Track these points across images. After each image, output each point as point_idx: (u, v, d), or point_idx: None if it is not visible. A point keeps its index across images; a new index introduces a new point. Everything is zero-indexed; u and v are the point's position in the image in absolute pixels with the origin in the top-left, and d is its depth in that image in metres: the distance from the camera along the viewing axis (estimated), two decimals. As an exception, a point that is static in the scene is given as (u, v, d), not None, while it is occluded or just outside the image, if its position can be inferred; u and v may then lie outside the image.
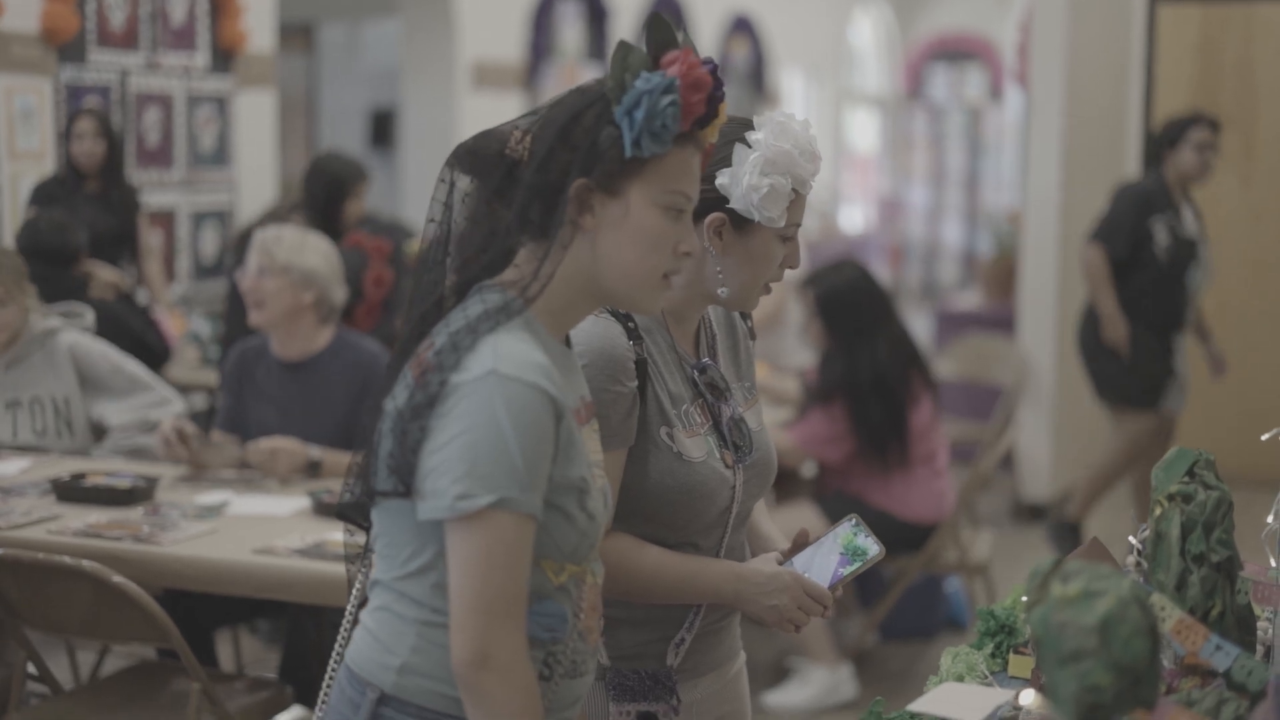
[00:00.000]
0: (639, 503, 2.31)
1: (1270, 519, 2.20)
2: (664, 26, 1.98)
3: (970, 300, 9.62)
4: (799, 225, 2.42)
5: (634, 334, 2.32)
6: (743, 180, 2.33)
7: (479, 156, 2.01)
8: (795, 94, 14.77)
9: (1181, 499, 2.05)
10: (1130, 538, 2.13)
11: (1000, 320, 8.46)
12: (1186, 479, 2.07)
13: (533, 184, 1.96)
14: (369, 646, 2.02)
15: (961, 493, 5.62)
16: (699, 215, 2.33)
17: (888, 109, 16.87)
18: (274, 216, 6.39)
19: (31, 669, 3.69)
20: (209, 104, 7.76)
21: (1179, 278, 6.40)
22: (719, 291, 2.40)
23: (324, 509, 3.69)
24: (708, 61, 1.98)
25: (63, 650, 4.50)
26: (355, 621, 2.11)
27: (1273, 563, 2.20)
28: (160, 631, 3.32)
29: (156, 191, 7.45)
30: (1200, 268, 6.45)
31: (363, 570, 2.13)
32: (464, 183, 2.02)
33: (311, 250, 4.25)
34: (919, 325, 10.31)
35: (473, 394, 1.89)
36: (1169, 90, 8.27)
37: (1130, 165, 8.37)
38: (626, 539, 2.32)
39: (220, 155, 7.84)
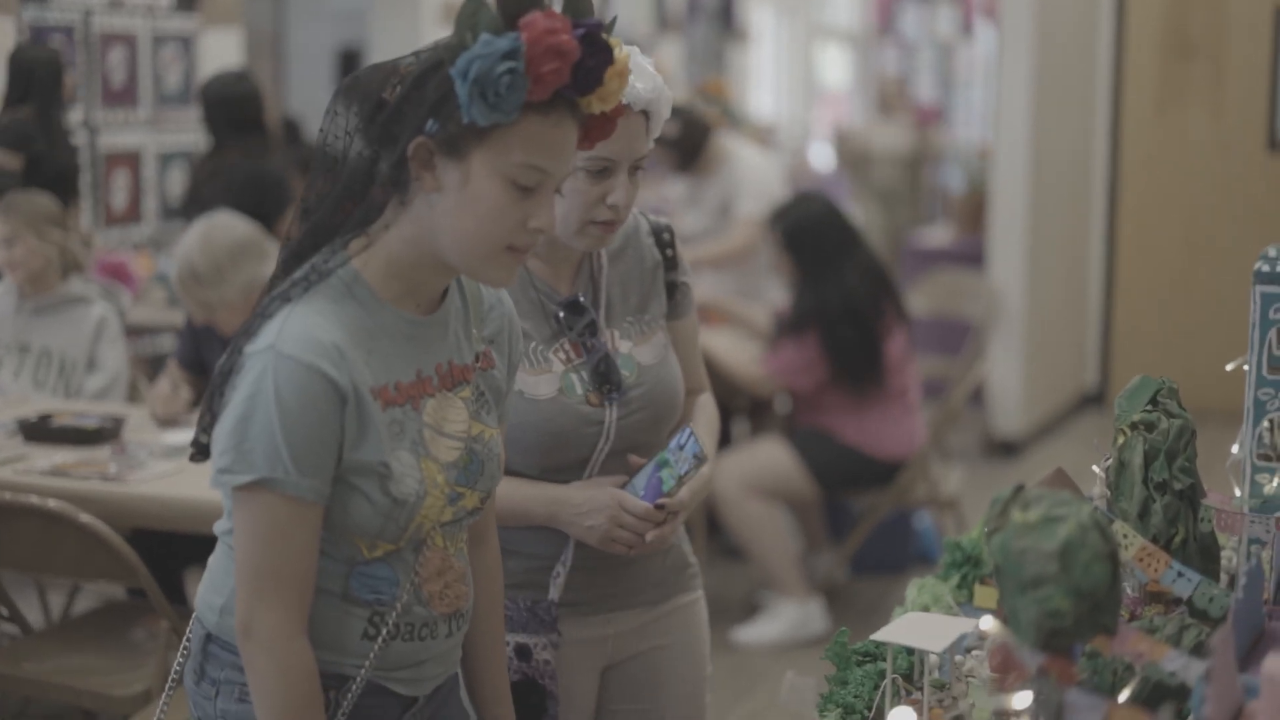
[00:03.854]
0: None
1: (1235, 448, 2.22)
2: None
3: (941, 236, 9.62)
4: (615, 161, 2.29)
5: None
6: None
7: (359, 90, 1.90)
8: (765, 30, 14.70)
9: (1144, 427, 2.06)
10: (1094, 466, 2.14)
11: (971, 255, 8.46)
12: (1150, 407, 2.08)
13: (381, 134, 1.86)
14: (203, 584, 2.04)
15: (932, 428, 5.64)
16: None
17: (858, 45, 16.80)
18: (207, 163, 6.42)
19: (1, 609, 3.69)
20: (174, 43, 7.69)
21: None
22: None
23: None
24: (586, 25, 1.82)
25: (33, 590, 4.50)
26: None
27: (1237, 492, 2.21)
28: (129, 570, 3.32)
29: (122, 131, 7.39)
30: None
31: None
32: (350, 116, 1.90)
33: (229, 264, 4.15)
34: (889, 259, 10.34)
35: (252, 368, 1.84)
36: (1140, 24, 8.27)
37: (1101, 99, 8.36)
38: None
39: (186, 95, 7.76)
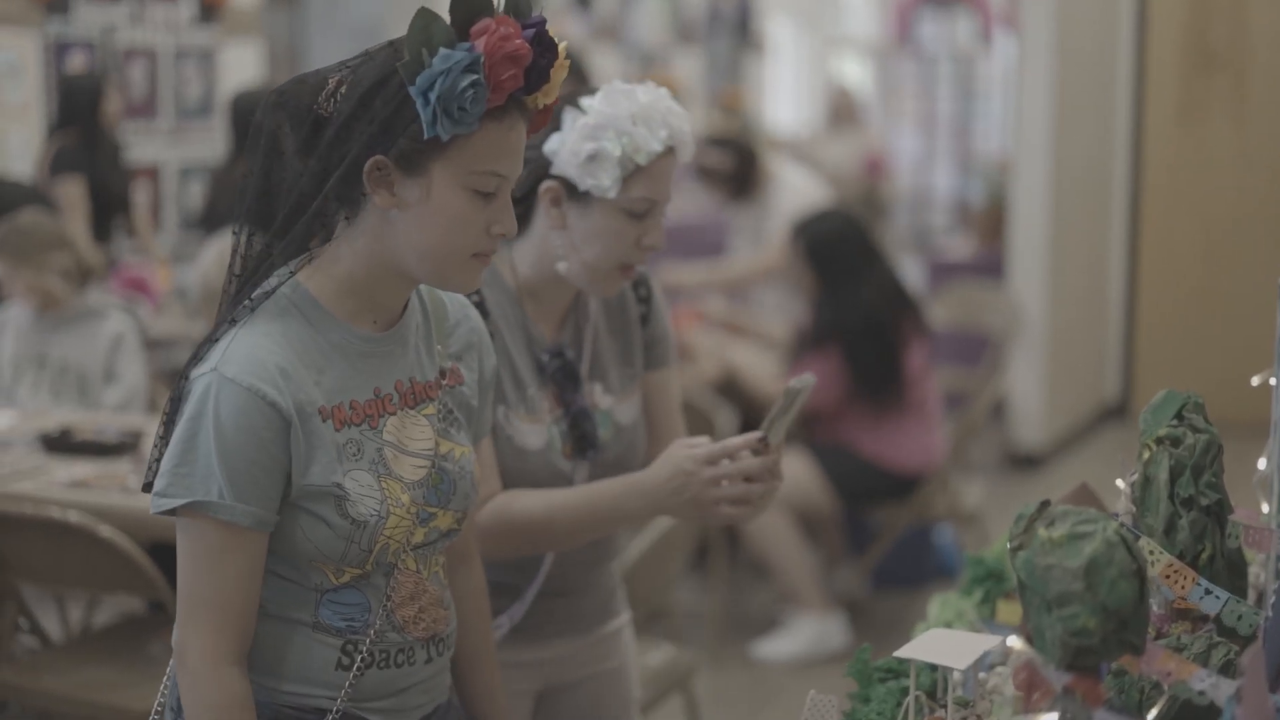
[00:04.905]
0: None
1: (1261, 463, 2.19)
2: None
3: (961, 248, 9.59)
4: (654, 201, 2.27)
5: (480, 308, 2.23)
6: (567, 143, 2.22)
7: (288, 106, 1.85)
8: (784, 42, 14.70)
9: (1170, 442, 2.04)
10: (1119, 481, 2.12)
11: (991, 267, 8.44)
12: (1175, 422, 2.06)
13: (329, 151, 1.81)
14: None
15: (953, 441, 5.62)
16: (535, 183, 2.24)
17: (877, 57, 16.79)
18: (224, 176, 6.48)
19: (21, 622, 3.69)
20: (195, 57, 7.71)
21: None
22: (558, 267, 2.27)
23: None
24: (532, 25, 1.80)
25: (53, 603, 4.50)
26: None
27: (1264, 508, 2.19)
28: (148, 584, 3.32)
29: (143, 145, 7.41)
30: None
31: None
32: (283, 134, 1.85)
33: None
34: (910, 273, 10.26)
35: (194, 391, 1.82)
36: (1161, 35, 8.24)
37: (1122, 110, 8.34)
38: (500, 495, 2.24)
39: (206, 108, 7.79)
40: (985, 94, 15.85)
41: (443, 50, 1.76)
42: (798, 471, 5.19)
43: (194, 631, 1.84)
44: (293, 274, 1.88)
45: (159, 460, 1.88)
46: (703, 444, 2.17)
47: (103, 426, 4.04)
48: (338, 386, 1.88)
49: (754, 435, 2.16)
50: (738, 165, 6.24)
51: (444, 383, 2.00)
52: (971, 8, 16.45)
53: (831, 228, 5.33)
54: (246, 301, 1.86)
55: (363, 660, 1.92)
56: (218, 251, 4.18)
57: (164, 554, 3.63)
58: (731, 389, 5.42)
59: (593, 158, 2.21)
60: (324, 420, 1.85)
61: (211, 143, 7.71)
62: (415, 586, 1.96)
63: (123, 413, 4.44)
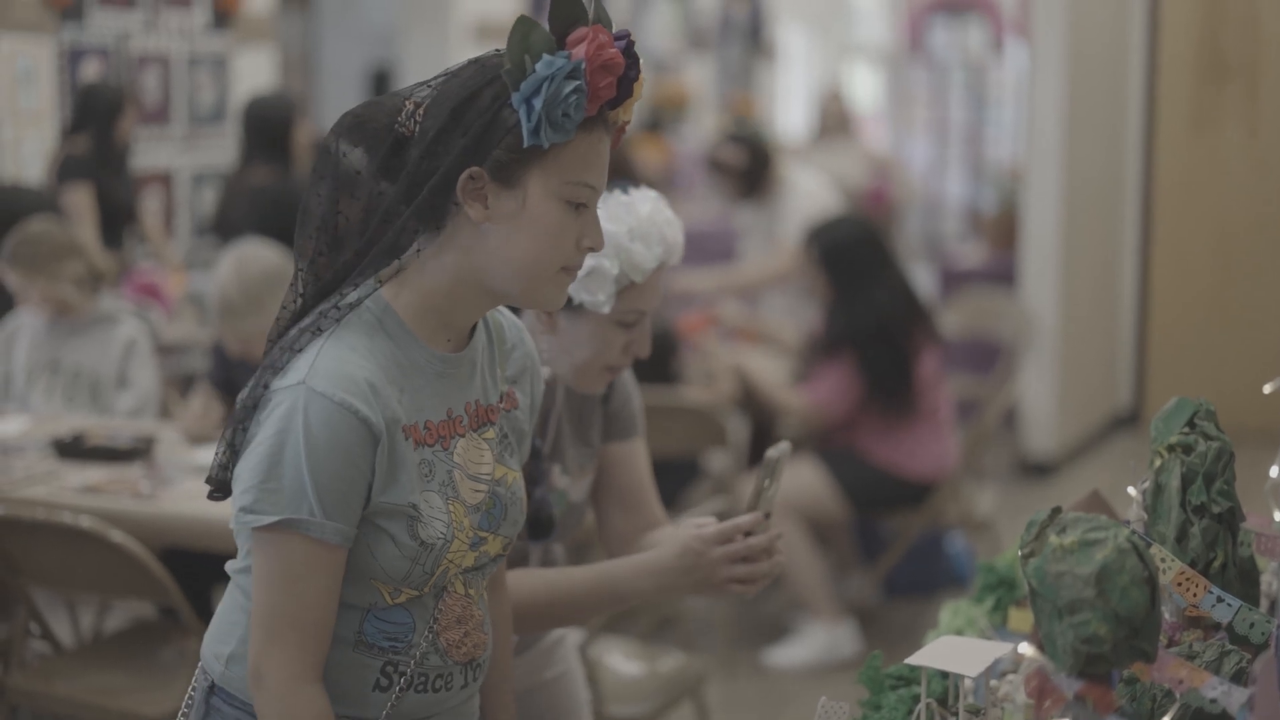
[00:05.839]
0: None
1: (1274, 471, 2.19)
2: (571, 1, 1.79)
3: (973, 255, 9.58)
4: (644, 312, 2.30)
5: None
6: None
7: (366, 128, 1.84)
8: (795, 50, 14.70)
9: (1182, 450, 2.03)
10: (1130, 489, 2.12)
11: (1003, 275, 8.43)
12: (1187, 429, 2.06)
13: (419, 167, 1.80)
14: (210, 633, 1.96)
15: (964, 448, 5.61)
16: None
17: (889, 64, 16.78)
18: (235, 183, 6.53)
19: (33, 627, 3.70)
20: (208, 63, 7.73)
21: None
22: (543, 370, 2.23)
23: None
24: (621, 37, 1.80)
25: (64, 608, 4.51)
26: None
27: (1276, 516, 2.19)
28: (160, 589, 3.32)
29: (156, 151, 7.42)
30: None
31: None
32: (355, 155, 1.84)
33: (265, 294, 4.13)
34: (922, 281, 10.24)
35: (280, 404, 1.78)
36: (1173, 43, 8.23)
37: (1133, 118, 8.32)
38: (511, 574, 2.22)
39: (220, 114, 7.80)
40: (997, 101, 15.83)
41: (546, 56, 1.76)
42: (809, 479, 5.18)
43: (275, 651, 1.80)
44: (379, 286, 1.86)
45: (223, 467, 1.86)
46: (709, 524, 2.18)
47: (115, 432, 4.04)
48: (416, 405, 1.86)
49: (758, 515, 2.16)
50: (750, 163, 6.29)
51: (501, 406, 1.99)
52: (983, 15, 16.43)
53: (846, 234, 5.33)
54: (333, 311, 1.83)
55: (405, 684, 1.89)
56: (232, 268, 4.17)
57: (175, 559, 3.65)
58: (742, 396, 5.41)
59: (590, 274, 2.23)
60: (405, 438, 1.83)
61: (224, 149, 7.72)
62: (462, 610, 1.94)
63: (135, 419, 4.44)
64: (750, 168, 6.30)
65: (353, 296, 1.85)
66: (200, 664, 1.96)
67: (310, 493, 1.76)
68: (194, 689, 1.96)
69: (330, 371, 1.78)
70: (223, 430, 1.87)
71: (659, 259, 2.27)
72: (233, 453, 1.84)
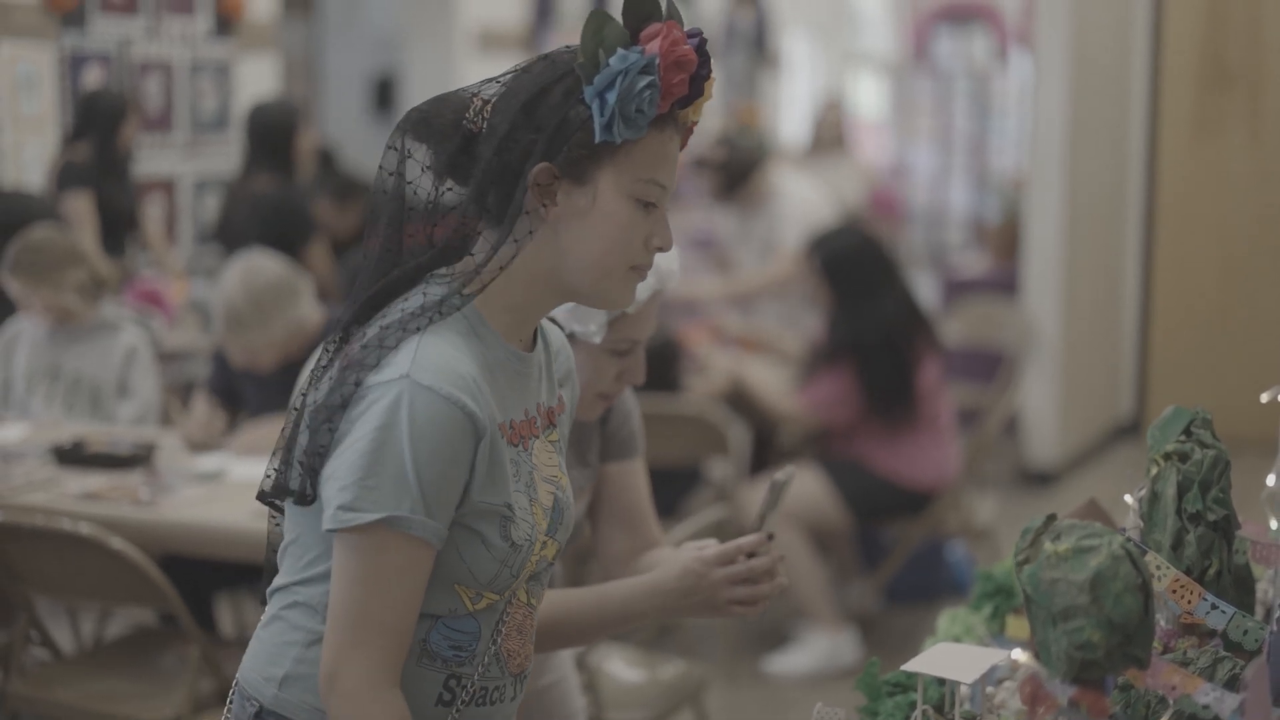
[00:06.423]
0: None
1: (1270, 480, 2.19)
2: None
3: (976, 264, 9.58)
4: (637, 340, 2.30)
5: None
6: None
7: (432, 124, 1.81)
8: (799, 58, 14.71)
9: (1178, 457, 2.04)
10: (1127, 496, 2.12)
11: (1006, 284, 8.43)
12: (1183, 438, 2.06)
13: (490, 164, 1.77)
14: (254, 657, 1.87)
15: (966, 457, 5.61)
16: None
17: (893, 73, 16.80)
18: (237, 190, 6.55)
19: (33, 633, 3.70)
20: (210, 70, 7.74)
21: None
22: None
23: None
24: (694, 35, 1.78)
25: (64, 615, 4.51)
26: None
27: (1273, 524, 2.19)
28: (160, 596, 3.32)
29: (158, 158, 7.43)
30: None
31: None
32: (420, 152, 1.81)
33: (271, 304, 4.14)
34: (925, 289, 10.25)
35: (381, 399, 1.71)
36: (1176, 51, 8.23)
37: (1136, 127, 8.33)
38: None
39: (222, 121, 7.81)
40: (1001, 111, 15.84)
41: (620, 51, 1.74)
42: (811, 487, 5.18)
43: (358, 655, 1.73)
44: (460, 284, 1.81)
45: (279, 470, 1.80)
46: (711, 545, 2.16)
47: (115, 439, 4.05)
48: (501, 405, 1.82)
49: (761, 536, 2.14)
50: (728, 161, 6.31)
51: (556, 409, 1.97)
52: (988, 25, 16.45)
53: (849, 244, 5.33)
54: (420, 310, 1.78)
55: (466, 698, 1.84)
56: (237, 279, 4.17)
57: (175, 566, 3.66)
58: (743, 404, 5.42)
59: (576, 307, 2.21)
60: (501, 436, 1.80)
61: (227, 156, 7.73)
62: (523, 619, 1.90)
63: (136, 427, 4.45)
64: (727, 164, 6.32)
65: (436, 294, 1.80)
66: (236, 693, 1.89)
67: (414, 489, 1.71)
68: (228, 716, 1.89)
69: (435, 365, 1.73)
70: (282, 432, 1.82)
71: (651, 288, 2.28)
72: (307, 454, 1.76)
